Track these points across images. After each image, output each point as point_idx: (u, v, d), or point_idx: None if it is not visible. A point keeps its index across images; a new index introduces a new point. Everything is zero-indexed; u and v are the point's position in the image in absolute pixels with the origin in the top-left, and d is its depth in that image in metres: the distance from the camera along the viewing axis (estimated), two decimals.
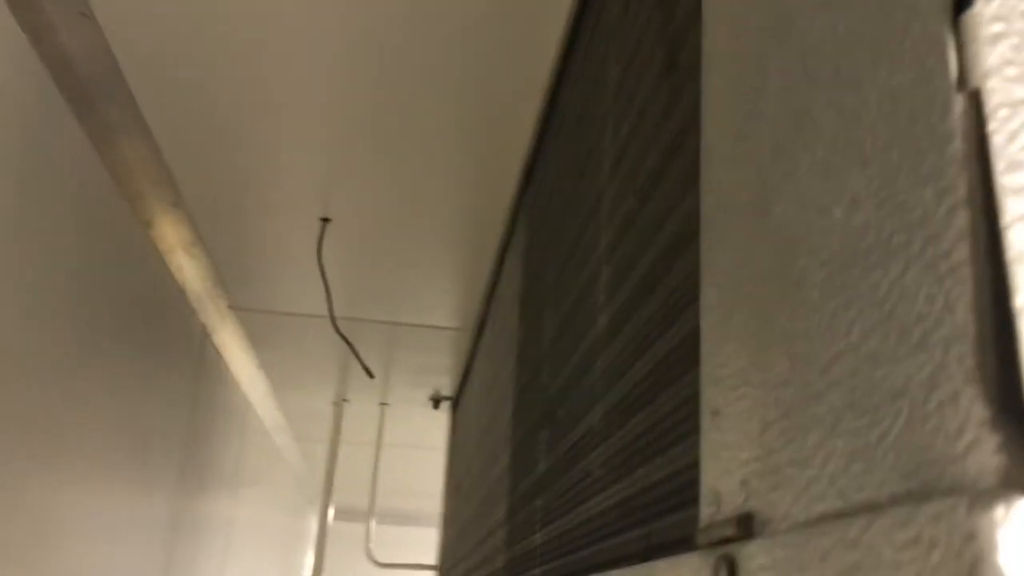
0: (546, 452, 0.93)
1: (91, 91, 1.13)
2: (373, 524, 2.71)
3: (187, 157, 1.30)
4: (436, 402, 2.52)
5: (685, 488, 0.47)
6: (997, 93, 0.22)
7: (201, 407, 2.05)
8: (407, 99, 1.12)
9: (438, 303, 1.79)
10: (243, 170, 1.32)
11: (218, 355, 2.10)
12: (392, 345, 2.04)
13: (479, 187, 1.37)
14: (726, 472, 0.37)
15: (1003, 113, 0.22)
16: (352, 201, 1.39)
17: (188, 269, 1.64)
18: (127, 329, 1.40)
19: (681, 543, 0.46)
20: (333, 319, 1.58)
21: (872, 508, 0.24)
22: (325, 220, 1.44)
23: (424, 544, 3.33)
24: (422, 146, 1.23)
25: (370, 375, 1.79)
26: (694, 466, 0.45)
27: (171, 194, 1.40)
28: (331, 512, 2.68)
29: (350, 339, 1.77)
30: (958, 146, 0.22)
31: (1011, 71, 0.22)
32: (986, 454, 0.20)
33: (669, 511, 0.49)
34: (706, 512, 0.39)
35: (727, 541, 0.34)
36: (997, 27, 0.23)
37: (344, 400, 2.65)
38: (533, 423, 1.04)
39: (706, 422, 0.40)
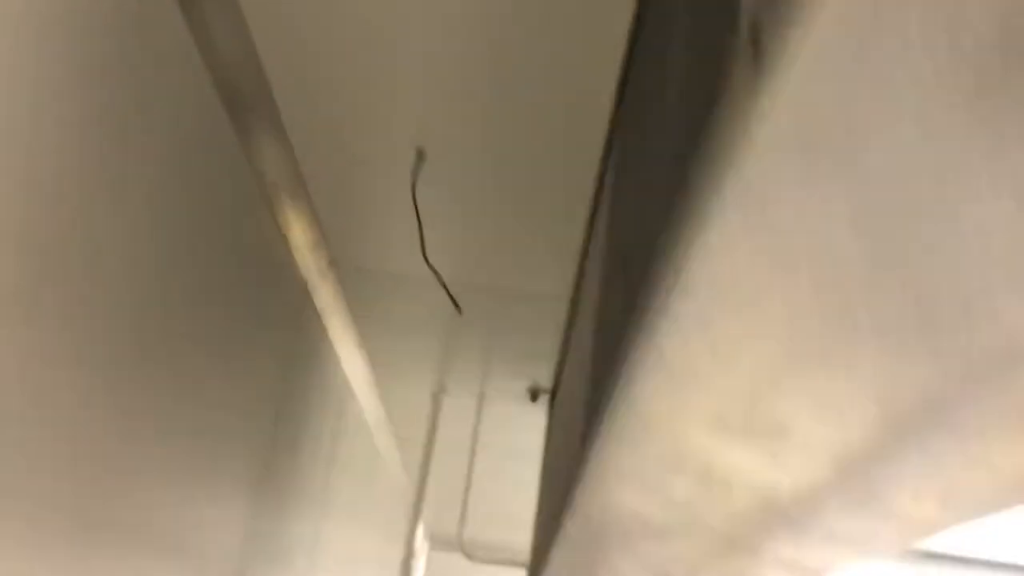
0: None
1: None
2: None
3: (293, 88, 1.33)
4: (534, 395, 2.47)
5: None
6: None
7: (295, 383, 2.07)
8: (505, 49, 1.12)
9: (538, 264, 1.77)
10: (349, 106, 1.35)
11: (318, 319, 2.12)
12: (489, 316, 2.02)
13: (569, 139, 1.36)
14: None
15: None
16: (450, 136, 1.39)
17: (290, 214, 1.67)
18: (230, 282, 1.43)
19: None
20: (424, 252, 1.58)
21: None
22: (420, 154, 1.44)
23: None
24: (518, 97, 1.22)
25: (458, 308, 1.77)
26: None
27: (273, 124, 1.43)
28: (419, 534, 2.63)
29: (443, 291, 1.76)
30: None
31: None
32: None
33: None
34: None
35: None
36: None
37: (443, 392, 2.64)
38: None
39: None
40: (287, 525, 2.11)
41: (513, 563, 2.64)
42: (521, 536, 3.42)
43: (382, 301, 2.07)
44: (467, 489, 2.65)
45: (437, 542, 3.93)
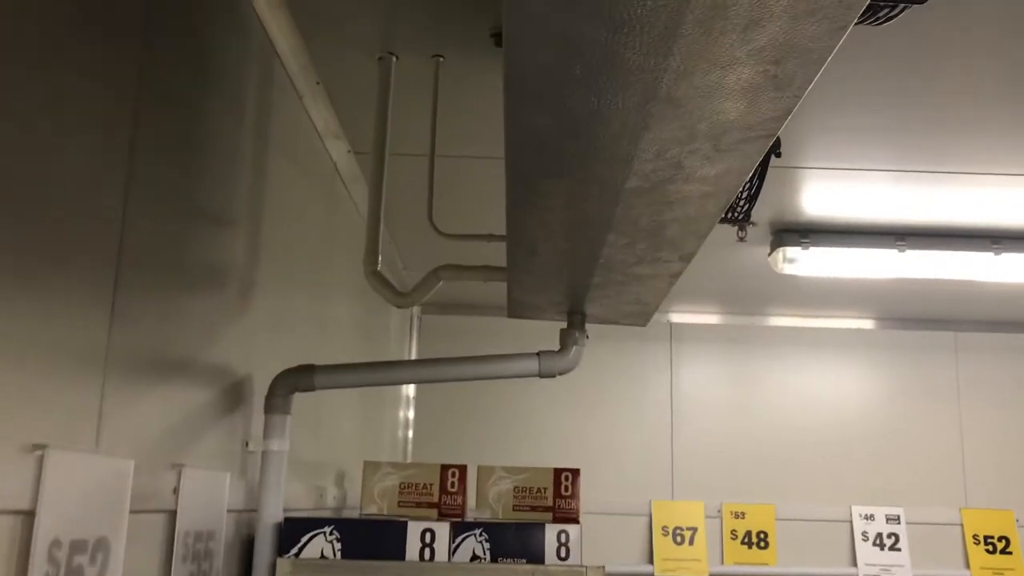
0: None
1: None
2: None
3: None
4: (499, 37, 2.06)
5: None
6: None
7: (204, 52, 1.64)
8: None
9: None
10: None
11: None
12: None
13: None
14: None
15: None
16: None
17: None
18: None
19: None
20: None
21: None
22: None
23: None
24: None
25: None
26: None
27: None
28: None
29: None
30: None
31: None
32: None
33: None
34: None
35: None
36: None
37: (391, 54, 2.21)
38: None
39: None
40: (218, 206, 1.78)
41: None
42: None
43: None
44: (431, 162, 2.31)
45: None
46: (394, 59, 2.22)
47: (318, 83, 2.34)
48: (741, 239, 3.24)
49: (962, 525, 4.45)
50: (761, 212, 3.14)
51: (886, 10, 1.06)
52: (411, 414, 4.49)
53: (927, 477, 4.54)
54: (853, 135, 2.61)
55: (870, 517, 4.46)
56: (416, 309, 4.57)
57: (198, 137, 1.64)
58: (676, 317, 4.68)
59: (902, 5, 1.05)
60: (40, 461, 1.09)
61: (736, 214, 1.85)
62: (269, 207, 2.09)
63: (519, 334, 4.08)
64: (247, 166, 1.93)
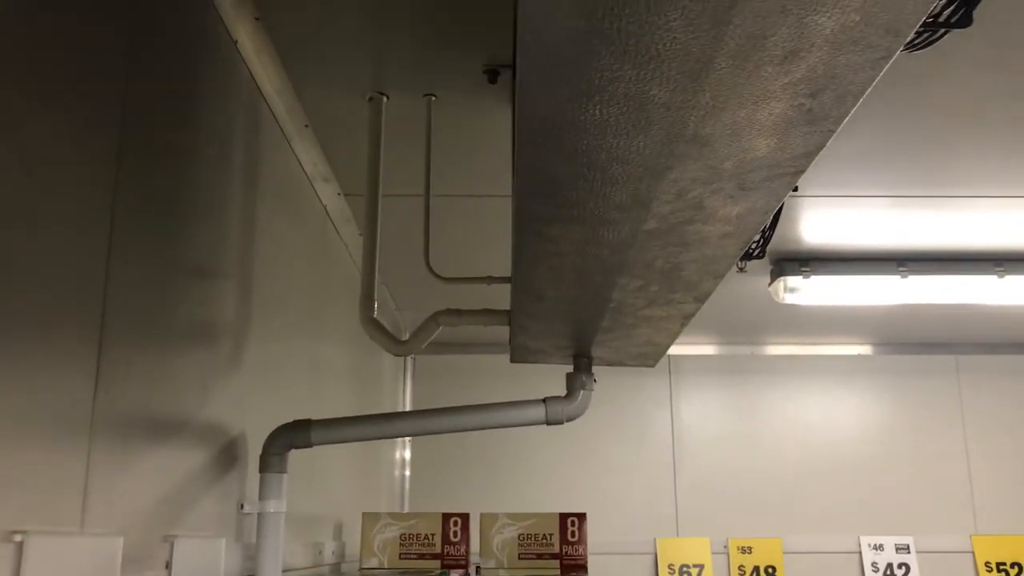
0: None
1: None
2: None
3: None
4: (493, 74, 2.00)
5: None
6: None
7: (191, 89, 1.57)
8: None
9: None
10: None
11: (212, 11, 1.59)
12: None
13: None
14: None
15: None
16: None
17: None
18: None
19: None
20: None
21: None
22: None
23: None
24: None
25: None
26: None
27: None
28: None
29: None
30: None
31: None
32: None
33: None
34: None
35: None
36: None
37: (381, 94, 2.15)
38: None
39: None
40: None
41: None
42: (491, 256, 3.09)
43: None
44: (427, 201, 2.24)
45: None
46: (384, 99, 2.15)
47: (306, 126, 2.27)
48: (741, 270, 3.18)
49: (974, 552, 4.36)
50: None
51: (927, 34, 1.01)
52: (407, 457, 4.38)
53: (936, 504, 4.45)
54: (852, 161, 2.56)
55: (879, 547, 4.36)
56: None
57: (183, 187, 1.56)
58: (675, 349, 4.60)
59: (943, 29, 0.99)
60: (20, 548, 1.00)
61: (751, 251, 1.78)
62: (259, 256, 2.01)
63: (517, 372, 3.99)
64: (235, 215, 1.85)
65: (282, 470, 1.84)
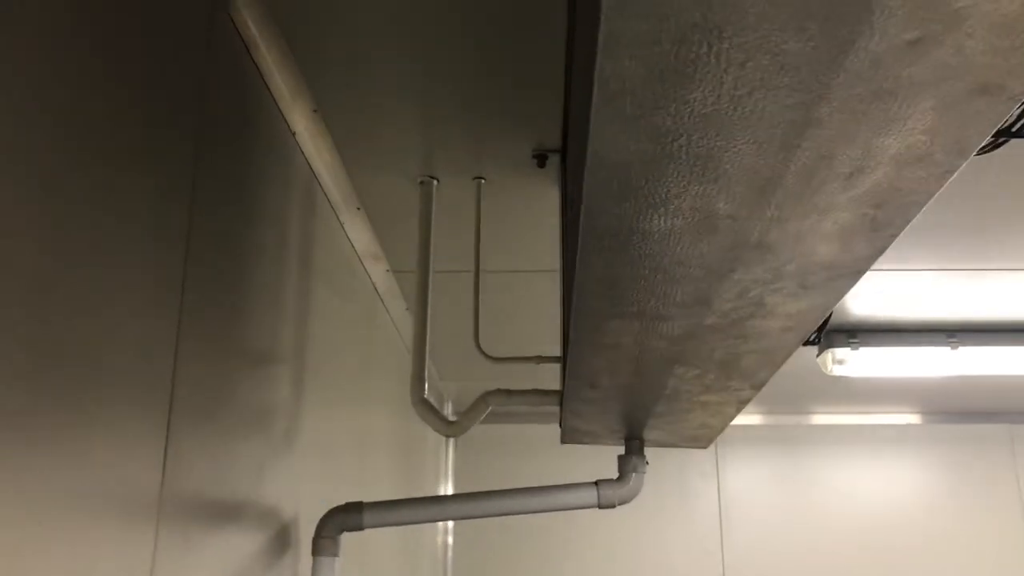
0: None
1: None
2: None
3: None
4: (542, 158, 2.04)
5: None
6: None
7: (245, 177, 1.62)
8: None
9: None
10: None
11: (270, 102, 1.65)
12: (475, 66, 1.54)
13: None
14: None
15: None
16: None
17: None
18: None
19: None
20: None
21: None
22: None
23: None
24: None
25: None
26: None
27: None
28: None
29: None
30: None
31: None
32: None
33: None
34: None
35: None
36: None
37: (432, 177, 2.19)
38: None
39: None
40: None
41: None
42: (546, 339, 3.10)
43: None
44: (476, 284, 2.26)
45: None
46: (435, 182, 2.20)
47: (359, 208, 2.32)
48: None
49: None
50: None
51: (989, 144, 1.02)
52: (450, 541, 4.33)
53: None
54: (901, 236, 2.55)
55: None
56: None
57: (245, 273, 1.60)
58: None
59: (1004, 139, 1.00)
60: None
61: (813, 335, 1.78)
62: (312, 337, 2.04)
63: (564, 444, 3.97)
64: (291, 299, 1.89)
65: (334, 553, 1.84)
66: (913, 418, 4.56)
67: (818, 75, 0.64)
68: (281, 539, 1.81)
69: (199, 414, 1.37)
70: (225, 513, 1.51)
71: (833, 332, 3.19)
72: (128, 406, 1.15)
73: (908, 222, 0.90)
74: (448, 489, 4.33)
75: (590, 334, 1.25)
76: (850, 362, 3.22)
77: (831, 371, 3.25)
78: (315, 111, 1.89)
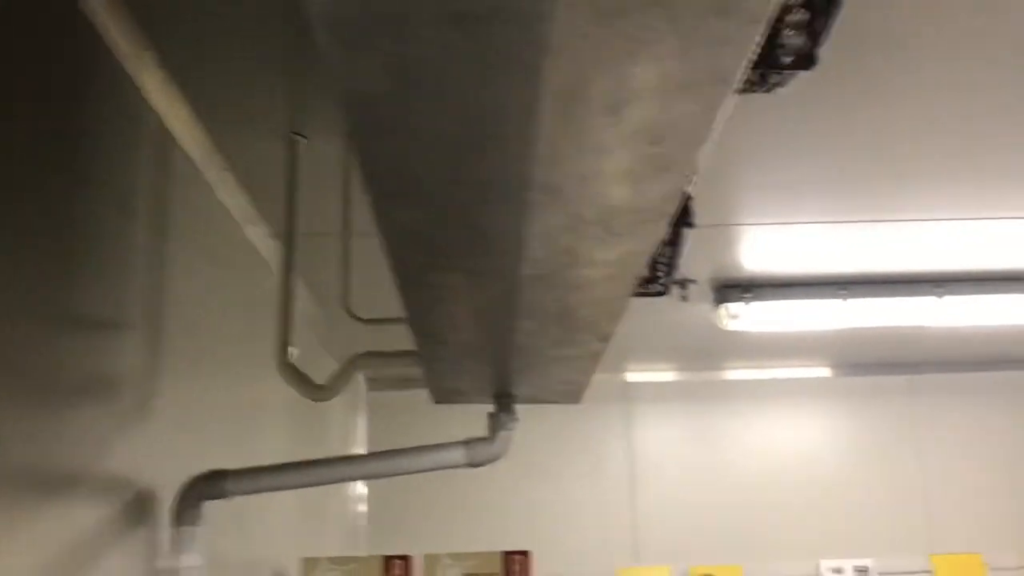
0: None
1: None
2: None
3: None
4: None
5: None
6: None
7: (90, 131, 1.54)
8: None
9: None
10: None
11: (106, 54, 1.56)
12: None
13: None
14: None
15: None
16: None
17: None
18: None
19: None
20: None
21: None
22: None
23: None
24: None
25: None
26: None
27: None
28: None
29: None
30: None
31: None
32: None
33: None
34: None
35: None
36: None
37: (298, 135, 2.12)
38: None
39: None
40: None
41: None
42: None
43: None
44: (345, 246, 2.21)
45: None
46: (302, 140, 2.13)
47: (226, 170, 2.24)
48: (683, 299, 3.17)
49: (932, 572, 4.35)
50: (701, 270, 3.07)
51: (775, 77, 1.00)
52: (363, 507, 4.29)
53: (893, 525, 4.44)
54: (786, 191, 2.56)
55: (839, 571, 4.34)
56: (362, 387, 4.42)
57: (77, 237, 1.52)
58: (632, 376, 4.59)
59: (788, 72, 0.98)
60: None
61: (659, 286, 1.77)
62: (176, 303, 1.96)
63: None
64: (142, 263, 1.81)
65: (195, 523, 1.79)
66: (821, 371, 4.65)
67: None
68: (135, 510, 1.75)
69: (13, 385, 1.30)
70: (61, 487, 1.44)
71: (727, 287, 3.22)
72: None
73: (693, 158, 0.87)
74: None
75: (415, 288, 1.22)
76: (744, 316, 3.25)
77: (726, 325, 3.28)
78: (161, 65, 1.80)
